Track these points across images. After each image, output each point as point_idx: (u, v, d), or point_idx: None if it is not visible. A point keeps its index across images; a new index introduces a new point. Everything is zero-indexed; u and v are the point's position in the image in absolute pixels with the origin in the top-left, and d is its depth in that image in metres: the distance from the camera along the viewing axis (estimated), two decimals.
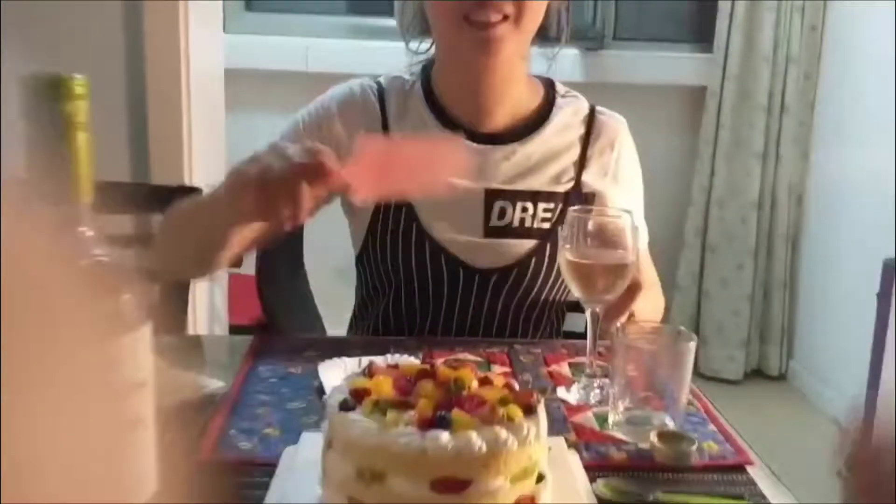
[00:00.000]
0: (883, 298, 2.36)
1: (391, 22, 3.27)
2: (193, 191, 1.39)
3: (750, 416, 3.06)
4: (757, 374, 3.34)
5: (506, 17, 1.10)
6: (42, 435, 0.28)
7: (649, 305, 1.12)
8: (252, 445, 0.81)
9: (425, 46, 1.24)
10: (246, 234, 1.03)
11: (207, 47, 1.86)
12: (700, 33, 3.28)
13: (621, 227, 0.96)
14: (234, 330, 1.97)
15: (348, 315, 1.33)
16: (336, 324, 1.45)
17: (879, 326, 2.37)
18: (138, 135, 1.72)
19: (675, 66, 3.25)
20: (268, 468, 0.75)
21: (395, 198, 1.14)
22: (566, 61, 3.26)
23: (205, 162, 1.83)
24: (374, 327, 1.24)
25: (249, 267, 2.01)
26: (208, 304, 1.86)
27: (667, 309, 3.65)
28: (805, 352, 3.25)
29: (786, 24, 3.08)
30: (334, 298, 1.61)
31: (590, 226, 0.96)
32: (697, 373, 3.30)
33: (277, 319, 1.81)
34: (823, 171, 3.16)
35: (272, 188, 0.86)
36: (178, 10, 1.71)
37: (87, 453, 0.31)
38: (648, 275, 1.26)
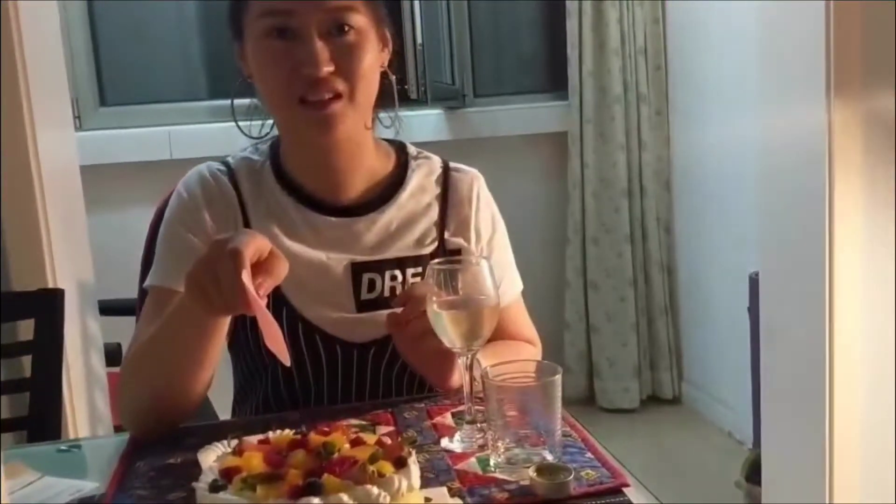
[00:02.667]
0: (753, 311, 2.51)
1: (252, 101, 3.29)
2: (55, 293, 1.36)
3: (650, 442, 3.17)
4: (652, 399, 3.45)
5: (339, 96, 1.11)
6: None
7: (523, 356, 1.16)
8: None
9: (266, 128, 1.24)
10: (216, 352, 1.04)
11: (59, 146, 1.83)
12: (555, 82, 3.45)
13: (481, 272, 1.00)
14: (119, 431, 1.90)
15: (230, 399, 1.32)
16: (225, 410, 1.42)
17: (753, 339, 2.50)
18: None
19: (535, 115, 3.40)
20: None
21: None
22: (430, 121, 3.38)
23: (69, 261, 1.78)
24: (256, 411, 1.22)
25: None
26: (88, 408, 1.79)
27: (559, 348, 3.72)
28: (695, 372, 3.39)
29: (632, 66, 3.28)
30: (223, 385, 1.58)
31: (451, 276, 0.99)
32: (596, 405, 3.39)
33: None
34: (685, 200, 3.36)
35: (208, 271, 0.92)
36: (23, 113, 1.68)
37: None
38: (522, 325, 1.30)
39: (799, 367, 1.90)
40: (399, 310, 1.06)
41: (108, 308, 2.05)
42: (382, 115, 1.26)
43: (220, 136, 3.00)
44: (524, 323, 1.31)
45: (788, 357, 1.96)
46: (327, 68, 1.09)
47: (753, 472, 2.39)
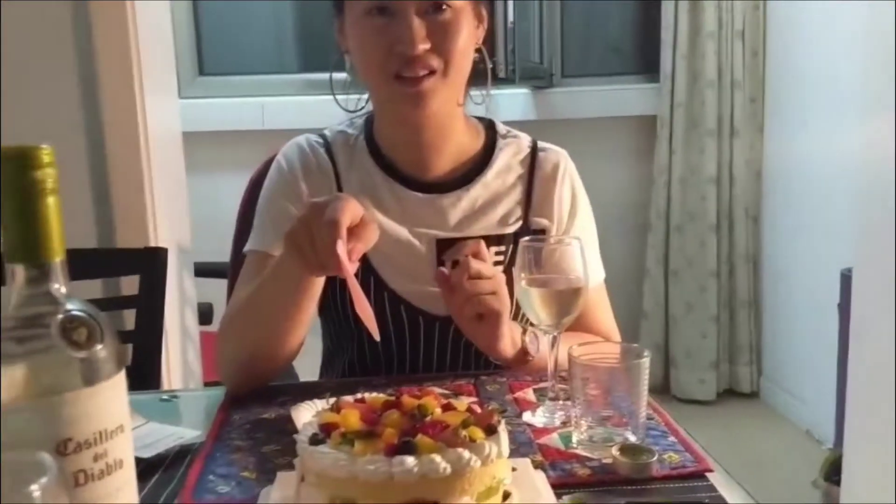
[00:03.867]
0: (843, 308, 2.44)
1: (341, 75, 3.35)
2: (159, 251, 1.42)
3: (725, 434, 3.13)
4: (729, 393, 3.39)
5: (433, 72, 1.13)
6: None
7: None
8: (230, 489, 0.84)
9: (361, 103, 1.27)
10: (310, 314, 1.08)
11: (164, 113, 1.90)
12: (646, 64, 3.40)
13: (571, 252, 1.01)
14: (208, 386, 1.98)
15: (318, 364, 1.36)
16: (307, 374, 1.47)
17: (842, 336, 2.44)
18: (102, 201, 1.75)
19: (623, 97, 3.36)
20: None
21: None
22: (518, 101, 3.37)
23: (169, 223, 1.86)
24: (342, 376, 1.26)
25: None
26: (181, 362, 1.87)
27: (635, 336, 3.69)
28: (774, 368, 3.32)
29: (728, 50, 3.20)
30: (305, 348, 1.64)
31: (541, 254, 1.01)
32: (670, 395, 3.35)
33: None
34: (776, 190, 3.27)
35: (306, 231, 0.97)
36: (134, 80, 1.76)
37: None
38: (602, 315, 1.28)
39: (888, 367, 1.85)
40: (447, 270, 1.07)
41: (201, 270, 2.13)
42: (474, 92, 1.27)
43: (310, 108, 3.09)
44: (604, 313, 1.29)
45: (878, 356, 1.91)
46: (423, 46, 1.11)
47: (833, 472, 2.33)
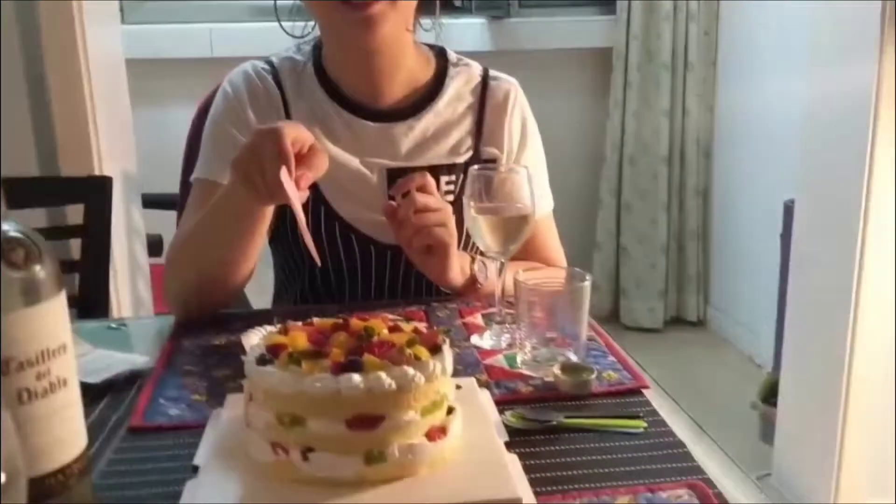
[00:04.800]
0: (785, 238, 2.51)
1: (291, 2, 3.25)
2: (104, 179, 1.40)
3: (671, 361, 3.22)
4: (676, 321, 3.49)
5: None
6: None
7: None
8: (180, 411, 0.85)
9: (308, 29, 1.25)
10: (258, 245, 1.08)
11: (106, 39, 1.85)
12: None
13: (519, 180, 1.02)
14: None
15: (271, 295, 1.37)
16: (260, 305, 1.47)
17: (783, 265, 2.51)
18: (43, 130, 1.71)
19: (580, 29, 3.33)
20: (197, 430, 0.79)
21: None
22: (474, 31, 3.33)
23: (114, 152, 1.82)
24: (295, 304, 1.27)
25: None
26: (131, 294, 1.86)
27: (587, 266, 3.75)
28: (720, 297, 3.42)
29: None
30: (256, 279, 1.64)
31: (490, 182, 1.02)
32: (620, 323, 3.44)
33: None
34: (728, 122, 3.31)
35: (253, 159, 0.97)
36: (72, 6, 1.70)
37: None
38: (550, 244, 1.30)
39: (826, 295, 1.92)
40: (395, 203, 1.08)
41: (150, 201, 2.10)
42: (424, 20, 1.25)
43: (259, 35, 2.99)
44: (552, 243, 1.31)
45: (816, 284, 1.98)
46: None
47: (770, 395, 2.44)
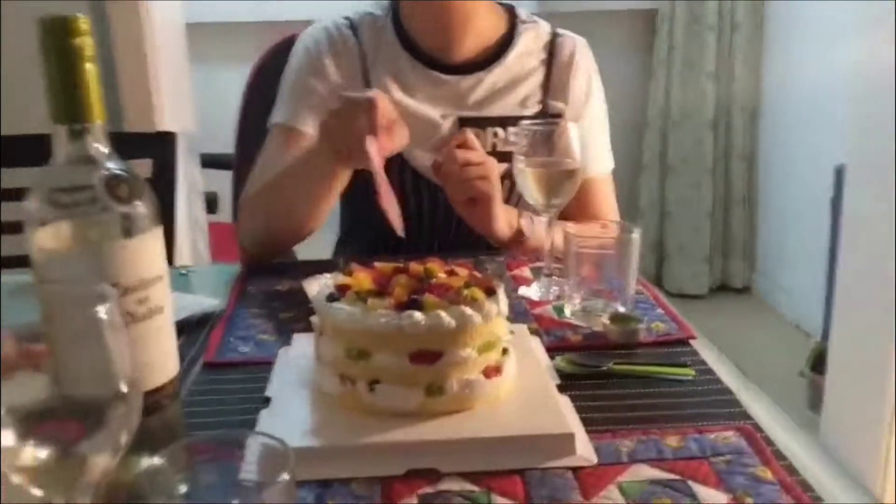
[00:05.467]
0: (835, 203, 2.49)
1: None
2: (169, 135, 1.46)
3: (716, 327, 3.20)
4: (722, 288, 3.49)
5: None
6: None
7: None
8: (249, 349, 0.91)
9: None
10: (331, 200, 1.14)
11: (166, 2, 1.90)
12: None
13: (567, 135, 1.05)
14: None
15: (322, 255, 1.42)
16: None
17: (833, 230, 2.50)
18: (108, 88, 1.78)
19: None
20: (266, 366, 0.85)
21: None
22: None
23: (174, 110, 1.89)
24: (359, 253, 1.33)
25: (227, 214, 2.08)
26: (191, 250, 1.94)
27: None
28: (767, 263, 3.40)
29: None
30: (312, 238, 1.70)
31: (538, 135, 1.05)
32: (663, 289, 3.44)
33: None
34: (775, 86, 3.27)
35: (338, 123, 1.02)
36: None
37: None
38: (606, 205, 1.34)
39: (876, 262, 1.91)
40: (459, 150, 1.12)
41: (205, 161, 2.17)
42: None
43: (310, 1, 3.05)
44: (609, 204, 1.35)
45: (868, 251, 1.97)
46: None
47: (818, 363, 2.43)
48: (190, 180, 1.96)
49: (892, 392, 1.88)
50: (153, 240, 0.59)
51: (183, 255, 1.84)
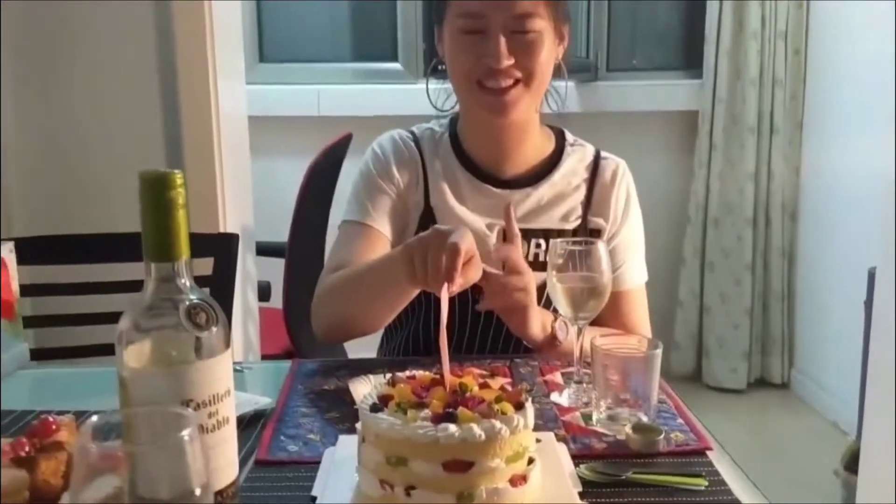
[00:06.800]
0: (869, 306, 2.52)
1: (393, 65, 3.51)
2: (232, 237, 1.58)
3: (753, 423, 3.22)
4: (760, 383, 3.48)
5: (517, 82, 1.29)
6: None
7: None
8: (298, 448, 0.99)
9: (450, 104, 1.43)
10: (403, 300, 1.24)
11: (233, 97, 2.05)
12: (689, 60, 3.47)
13: (597, 253, 1.14)
14: (265, 359, 2.15)
15: (369, 343, 1.50)
16: (357, 351, 1.61)
17: (867, 332, 2.52)
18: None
19: (667, 92, 3.44)
20: (313, 465, 0.93)
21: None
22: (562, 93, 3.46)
23: (236, 205, 2.02)
24: (402, 348, 1.42)
25: (277, 301, 2.20)
26: (243, 337, 2.04)
27: (670, 324, 3.75)
28: (805, 360, 3.40)
29: (770, 49, 3.26)
30: None
31: (571, 254, 1.14)
32: (702, 383, 3.45)
33: (305, 350, 2.00)
34: (813, 185, 3.33)
35: (430, 266, 1.09)
36: (208, 66, 1.91)
37: None
38: (637, 316, 1.41)
39: None
40: (499, 273, 1.22)
41: (259, 249, 2.30)
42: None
43: (362, 96, 3.24)
44: (640, 315, 1.42)
45: None
46: (507, 62, 1.28)
47: (853, 462, 2.42)
48: (246, 272, 2.08)
49: None
50: (224, 361, 0.69)
51: (235, 343, 1.94)
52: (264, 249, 2.35)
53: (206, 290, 1.51)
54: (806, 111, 3.34)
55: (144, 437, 0.58)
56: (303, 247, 2.15)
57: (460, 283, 1.09)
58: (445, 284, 1.05)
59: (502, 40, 1.27)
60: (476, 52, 1.29)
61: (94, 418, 0.55)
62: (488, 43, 1.28)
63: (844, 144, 3.08)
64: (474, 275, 1.13)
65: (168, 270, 0.67)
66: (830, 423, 3.09)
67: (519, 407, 0.84)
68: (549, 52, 1.31)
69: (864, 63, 2.94)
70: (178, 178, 0.65)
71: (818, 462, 2.71)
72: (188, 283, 0.68)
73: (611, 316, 1.31)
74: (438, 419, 0.80)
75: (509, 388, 0.89)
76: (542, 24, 1.29)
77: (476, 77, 1.30)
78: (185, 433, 0.53)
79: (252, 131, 2.29)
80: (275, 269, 2.21)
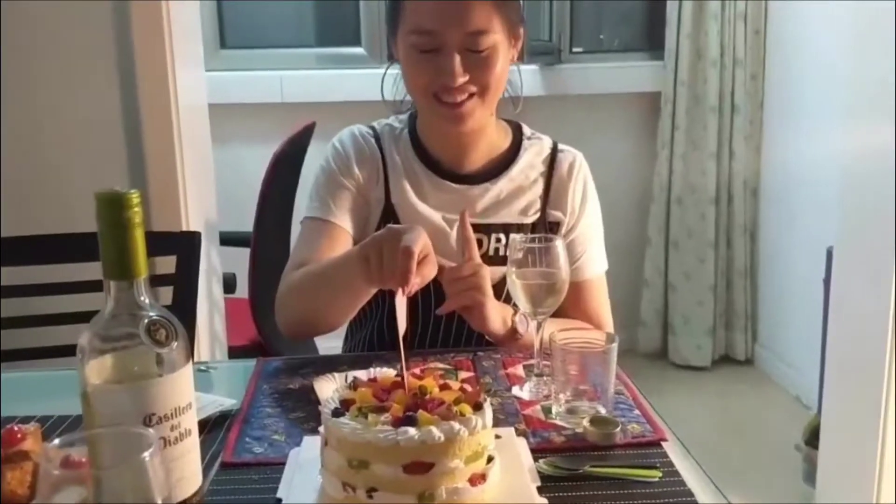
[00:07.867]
0: (827, 283, 2.58)
1: (357, 50, 3.48)
2: (194, 235, 1.58)
3: (718, 398, 3.28)
4: (725, 359, 3.55)
5: (472, 95, 1.31)
6: None
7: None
8: (263, 449, 1.00)
9: (405, 105, 1.44)
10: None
11: (193, 86, 2.02)
12: (651, 41, 3.50)
13: (554, 250, 1.16)
14: (233, 351, 2.15)
15: (335, 335, 1.52)
16: (324, 341, 1.63)
17: (825, 309, 2.58)
18: (137, 175, 1.91)
19: (629, 74, 3.46)
20: (278, 466, 0.94)
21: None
22: (526, 76, 3.46)
23: (198, 198, 2.00)
24: (367, 342, 1.44)
25: (242, 291, 2.19)
26: (209, 330, 2.04)
27: (636, 303, 3.80)
28: (768, 336, 3.47)
29: (730, 30, 3.30)
30: None
31: (529, 251, 1.16)
32: (668, 360, 3.52)
33: (272, 340, 2.01)
34: (774, 164, 3.38)
35: (385, 266, 1.10)
36: (166, 54, 1.88)
37: None
38: (598, 306, 1.44)
39: (863, 340, 1.99)
40: (455, 266, 1.25)
41: (223, 239, 2.29)
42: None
43: (326, 82, 3.21)
44: (600, 305, 1.45)
45: (854, 329, 2.05)
46: (462, 79, 1.29)
47: (814, 437, 2.48)
48: (209, 264, 2.07)
49: (878, 467, 1.94)
50: (185, 374, 0.70)
51: (201, 337, 1.94)
52: (228, 239, 2.33)
53: (171, 288, 1.52)
54: (766, 91, 3.38)
55: (107, 456, 0.59)
56: (268, 237, 2.14)
57: (417, 282, 1.10)
58: (400, 290, 1.06)
59: (457, 58, 1.28)
60: (431, 70, 1.30)
61: (57, 442, 0.56)
62: (443, 61, 1.28)
63: (804, 124, 3.13)
64: (430, 272, 1.15)
65: (127, 288, 0.67)
66: (793, 397, 3.17)
67: (478, 408, 0.86)
68: (504, 62, 1.32)
69: (823, 42, 2.99)
70: (135, 198, 0.66)
71: (782, 437, 2.78)
72: (147, 300, 0.69)
73: (572, 305, 1.34)
74: (399, 422, 0.82)
75: (469, 388, 0.92)
76: (495, 38, 1.30)
77: (432, 91, 1.31)
78: (147, 454, 0.54)
79: (214, 119, 2.27)
80: (240, 259, 2.20)
